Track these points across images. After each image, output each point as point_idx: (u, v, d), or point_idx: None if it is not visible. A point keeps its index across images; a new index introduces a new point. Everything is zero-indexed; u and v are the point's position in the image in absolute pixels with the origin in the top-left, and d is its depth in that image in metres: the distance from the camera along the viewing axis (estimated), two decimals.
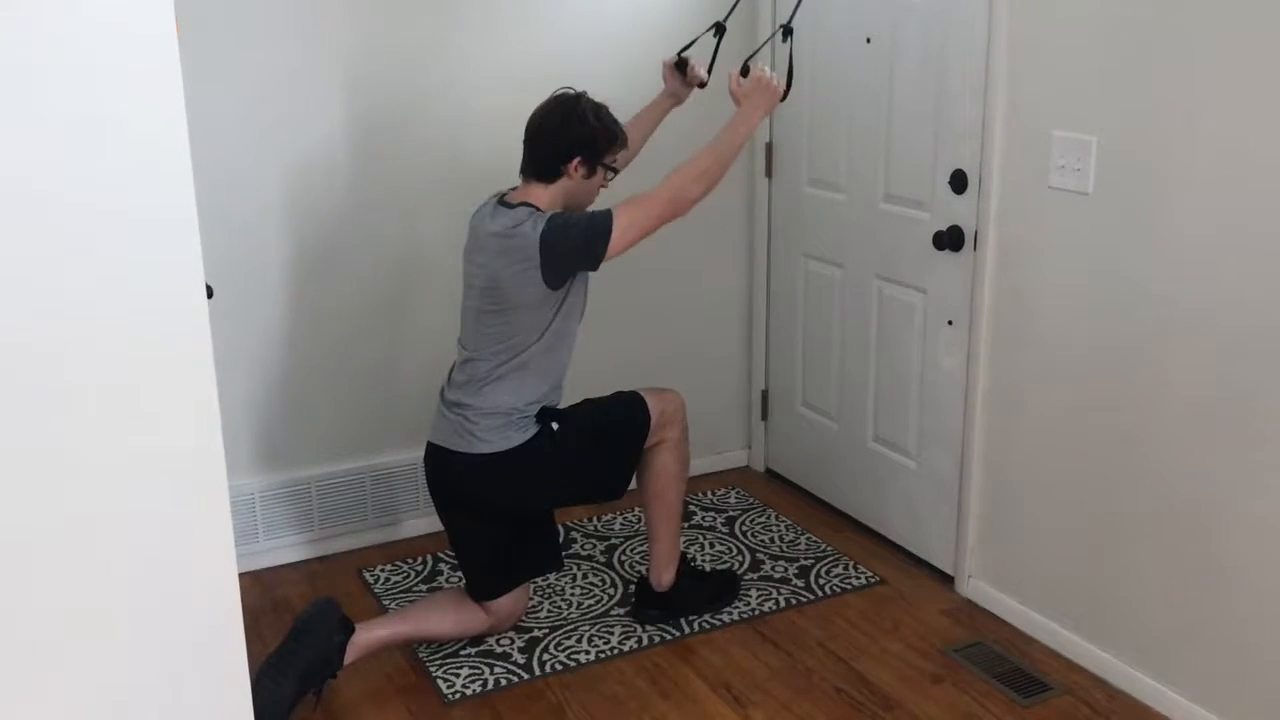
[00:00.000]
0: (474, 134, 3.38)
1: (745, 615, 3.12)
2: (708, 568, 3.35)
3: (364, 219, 3.33)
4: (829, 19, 3.42)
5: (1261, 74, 2.31)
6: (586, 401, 2.97)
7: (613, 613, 3.14)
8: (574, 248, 2.66)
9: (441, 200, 3.36)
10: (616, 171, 2.84)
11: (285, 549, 3.42)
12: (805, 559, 3.43)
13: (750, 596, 3.21)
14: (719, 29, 3.05)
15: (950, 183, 3.08)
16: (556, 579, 3.30)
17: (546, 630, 3.05)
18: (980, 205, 3.00)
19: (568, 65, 3.32)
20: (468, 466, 2.78)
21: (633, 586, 3.23)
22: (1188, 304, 2.52)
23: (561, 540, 3.25)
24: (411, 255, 3.41)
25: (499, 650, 2.96)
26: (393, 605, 3.16)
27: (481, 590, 2.92)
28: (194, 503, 1.55)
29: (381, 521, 3.54)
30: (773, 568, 3.38)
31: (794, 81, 2.83)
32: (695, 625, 3.07)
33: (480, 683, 2.83)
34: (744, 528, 3.63)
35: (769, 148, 3.79)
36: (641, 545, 3.46)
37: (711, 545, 3.52)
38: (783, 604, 3.18)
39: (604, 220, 2.65)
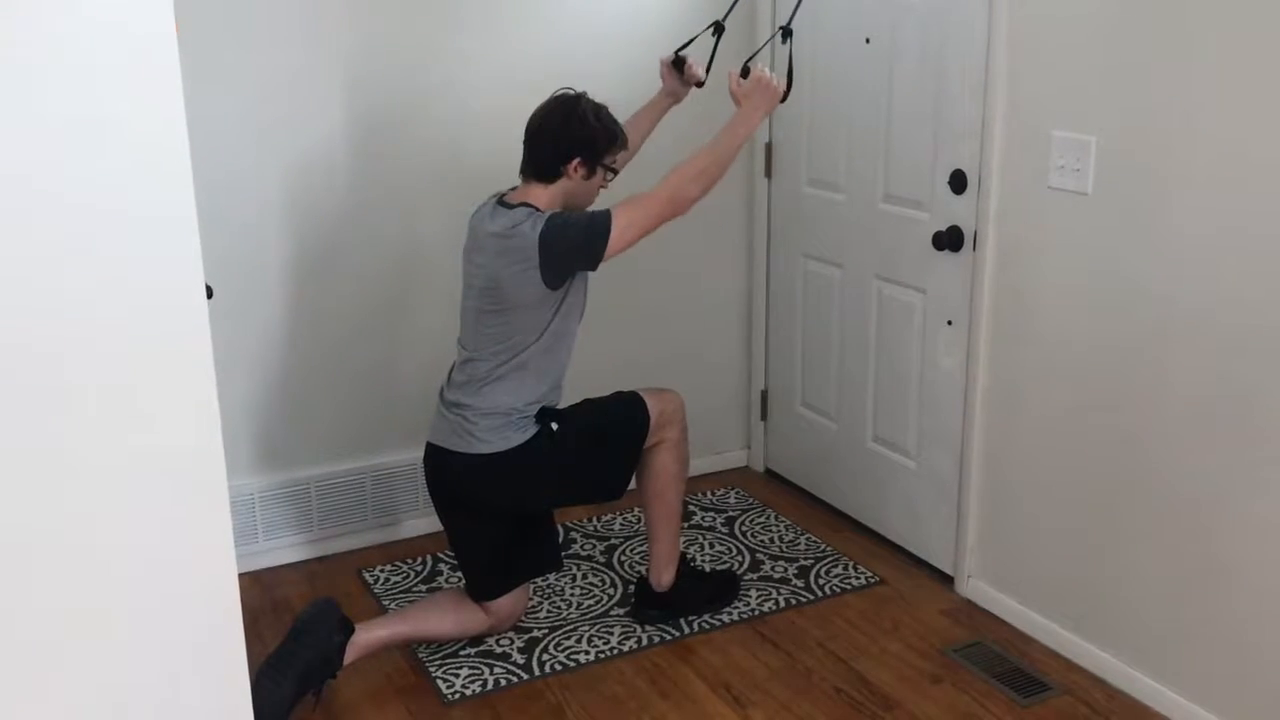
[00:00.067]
0: (474, 134, 3.38)
1: (745, 615, 3.12)
2: (707, 568, 3.35)
3: (364, 219, 3.33)
4: (828, 19, 3.42)
5: (1261, 74, 2.31)
6: (586, 402, 2.97)
7: (612, 613, 3.15)
8: (573, 247, 2.66)
9: (441, 200, 3.36)
10: (616, 172, 2.84)
11: (285, 549, 3.42)
12: (805, 559, 3.43)
13: (750, 597, 3.21)
14: (717, 29, 3.05)
15: (950, 183, 3.08)
16: (556, 579, 3.30)
17: (546, 630, 3.05)
18: (980, 205, 3.00)
19: (568, 65, 3.32)
20: (467, 467, 2.78)
21: (632, 587, 3.23)
22: (1187, 304, 2.52)
23: (561, 540, 3.25)
24: (411, 255, 3.41)
25: (499, 650, 2.96)
26: (392, 605, 3.16)
27: (481, 590, 2.92)
28: (193, 503, 1.55)
29: (381, 522, 3.54)
30: (772, 568, 3.38)
31: (793, 82, 2.83)
32: (695, 625, 3.07)
33: (480, 683, 2.83)
34: (743, 528, 3.63)
35: (768, 148, 3.79)
36: (641, 545, 3.46)
37: (711, 545, 3.52)
38: (782, 604, 3.18)
39: (603, 220, 2.65)
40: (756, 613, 3.14)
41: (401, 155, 3.33)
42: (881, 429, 3.50)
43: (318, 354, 3.37)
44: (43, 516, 1.44)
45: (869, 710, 2.73)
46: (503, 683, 2.83)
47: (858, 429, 3.59)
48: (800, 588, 3.27)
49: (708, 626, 3.07)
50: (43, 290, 1.39)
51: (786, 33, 2.86)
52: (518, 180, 2.80)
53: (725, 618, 3.11)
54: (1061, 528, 2.90)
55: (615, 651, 2.97)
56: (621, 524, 3.66)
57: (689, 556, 3.34)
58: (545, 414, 2.80)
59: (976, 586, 3.19)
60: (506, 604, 2.94)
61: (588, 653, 2.96)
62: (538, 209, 2.70)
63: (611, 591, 3.25)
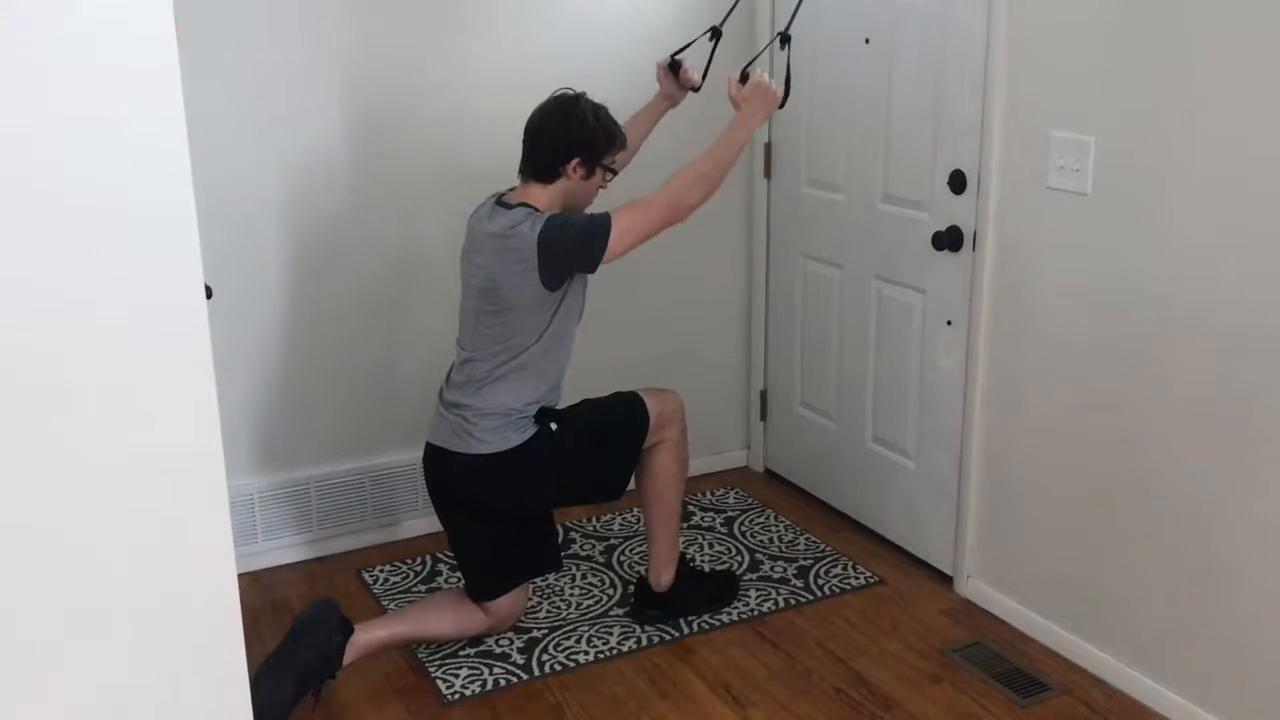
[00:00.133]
0: (473, 134, 3.38)
1: (744, 615, 3.12)
2: (707, 568, 3.35)
3: (364, 219, 3.33)
4: (828, 20, 3.42)
5: (1261, 74, 2.32)
6: (585, 402, 2.97)
7: (612, 613, 3.14)
8: (571, 249, 2.66)
9: (441, 200, 3.36)
10: (615, 173, 2.84)
11: (284, 549, 3.42)
12: (804, 559, 3.43)
13: (749, 597, 3.21)
14: (715, 33, 3.04)
15: (949, 183, 3.08)
16: (556, 579, 3.30)
17: (546, 630, 3.05)
18: (979, 205, 3.00)
19: (568, 65, 3.32)
20: (466, 467, 2.78)
21: (632, 587, 3.23)
22: (1187, 304, 2.52)
23: (561, 540, 3.25)
24: (411, 255, 3.41)
25: (498, 650, 2.96)
26: (392, 606, 3.16)
27: (481, 590, 2.92)
28: (193, 503, 1.55)
29: (381, 522, 3.54)
30: (772, 568, 3.38)
31: (792, 87, 2.83)
32: (694, 625, 3.07)
33: (479, 683, 2.83)
34: (743, 528, 3.63)
35: (768, 148, 3.79)
36: (640, 545, 3.46)
37: (710, 545, 3.52)
38: (782, 604, 3.19)
39: (602, 223, 2.65)
40: (756, 613, 3.14)
41: (401, 155, 3.33)
42: (881, 429, 3.50)
43: (318, 354, 3.37)
44: (43, 516, 1.44)
45: (868, 710, 2.73)
46: (502, 683, 2.83)
47: (857, 429, 3.59)
48: (800, 588, 3.27)
49: (707, 626, 3.07)
50: (43, 290, 1.40)
51: (785, 38, 2.86)
52: (517, 180, 2.80)
53: (725, 618, 3.11)
54: (1061, 528, 2.90)
55: (615, 652, 2.97)
56: (621, 524, 3.66)
57: (688, 556, 3.34)
58: (544, 414, 2.80)
59: (976, 586, 3.19)
60: (506, 604, 2.94)
61: (587, 653, 2.96)
62: (537, 209, 2.70)
63: (611, 592, 3.25)
